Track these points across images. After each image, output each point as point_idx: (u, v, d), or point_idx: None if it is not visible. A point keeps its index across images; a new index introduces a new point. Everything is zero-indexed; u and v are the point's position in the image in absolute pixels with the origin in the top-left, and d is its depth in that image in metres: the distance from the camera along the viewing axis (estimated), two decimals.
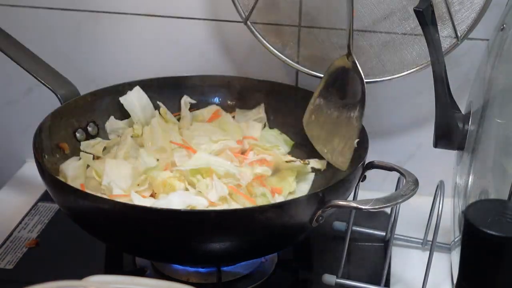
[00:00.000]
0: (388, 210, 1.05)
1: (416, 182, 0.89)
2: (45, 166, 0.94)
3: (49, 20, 1.17)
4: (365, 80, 1.04)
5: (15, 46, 1.05)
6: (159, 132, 1.04)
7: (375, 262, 1.01)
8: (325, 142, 1.03)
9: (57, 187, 0.90)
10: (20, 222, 1.10)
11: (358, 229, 1.06)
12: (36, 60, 1.05)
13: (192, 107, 1.12)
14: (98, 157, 1.04)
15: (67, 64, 1.13)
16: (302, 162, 1.02)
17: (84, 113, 1.06)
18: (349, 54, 0.99)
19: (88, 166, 1.02)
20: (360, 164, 0.93)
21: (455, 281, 0.96)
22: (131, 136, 1.06)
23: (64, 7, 1.16)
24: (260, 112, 1.12)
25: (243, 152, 1.05)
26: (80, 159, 1.02)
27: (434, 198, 0.97)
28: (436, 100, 0.95)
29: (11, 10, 1.17)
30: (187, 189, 0.96)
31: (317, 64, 1.08)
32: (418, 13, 0.87)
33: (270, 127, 1.11)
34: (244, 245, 0.88)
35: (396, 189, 0.96)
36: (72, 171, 0.99)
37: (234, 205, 0.95)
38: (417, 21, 0.89)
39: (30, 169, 1.06)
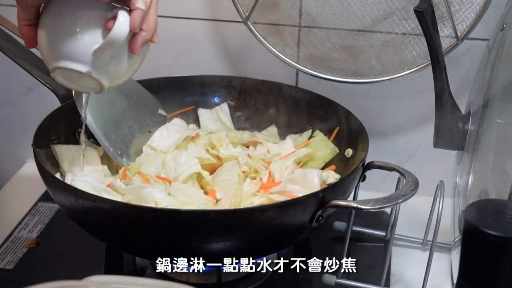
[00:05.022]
0: (388, 210, 1.05)
1: (416, 182, 0.89)
2: (45, 166, 0.94)
3: None
4: (365, 80, 1.05)
5: (15, 46, 1.05)
6: None
7: (375, 262, 1.01)
8: None
9: (57, 187, 0.90)
10: (20, 222, 1.10)
11: (358, 229, 1.06)
12: (36, 60, 1.05)
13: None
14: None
15: None
16: None
17: None
18: None
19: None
20: (360, 164, 0.93)
21: (455, 281, 0.96)
22: None
23: None
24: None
25: None
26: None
27: (434, 198, 0.97)
28: (436, 100, 0.95)
29: (11, 10, 1.17)
30: None
31: (317, 64, 1.08)
32: (418, 13, 0.87)
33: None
34: (244, 245, 0.88)
35: (396, 189, 0.96)
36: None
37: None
38: (417, 21, 0.89)
39: (30, 169, 1.06)
